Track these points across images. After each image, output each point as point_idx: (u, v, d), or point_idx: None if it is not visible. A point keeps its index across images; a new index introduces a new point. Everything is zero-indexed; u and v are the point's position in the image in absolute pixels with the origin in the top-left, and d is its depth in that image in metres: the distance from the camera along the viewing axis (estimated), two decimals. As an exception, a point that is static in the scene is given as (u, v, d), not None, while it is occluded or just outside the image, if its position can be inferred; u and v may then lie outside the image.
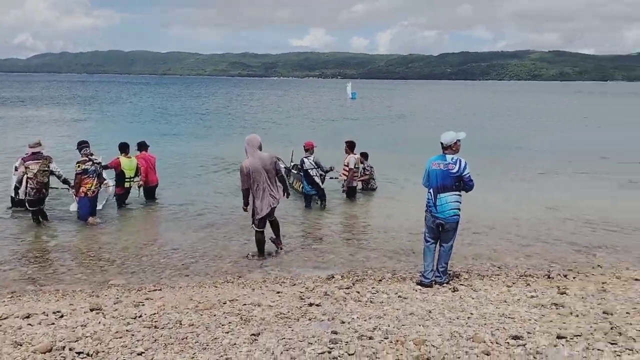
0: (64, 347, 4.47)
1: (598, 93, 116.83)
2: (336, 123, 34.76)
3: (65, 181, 9.95)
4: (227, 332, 4.82)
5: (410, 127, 32.92)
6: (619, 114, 46.65)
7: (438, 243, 6.41)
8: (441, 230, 6.30)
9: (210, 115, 40.45)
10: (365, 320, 5.09)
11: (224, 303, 5.70)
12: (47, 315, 5.32)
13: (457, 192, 6.21)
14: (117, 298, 5.99)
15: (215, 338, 4.69)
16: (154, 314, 5.36)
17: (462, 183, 6.18)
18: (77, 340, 4.63)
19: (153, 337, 4.73)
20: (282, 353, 4.35)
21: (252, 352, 4.38)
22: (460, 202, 6.25)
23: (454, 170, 6.10)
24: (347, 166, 11.69)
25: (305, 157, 10.85)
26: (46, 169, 9.43)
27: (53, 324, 5.08)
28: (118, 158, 10.77)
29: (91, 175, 9.57)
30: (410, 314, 5.25)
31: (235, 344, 4.56)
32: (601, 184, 14.17)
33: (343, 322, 5.05)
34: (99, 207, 10.24)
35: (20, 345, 4.55)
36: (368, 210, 11.24)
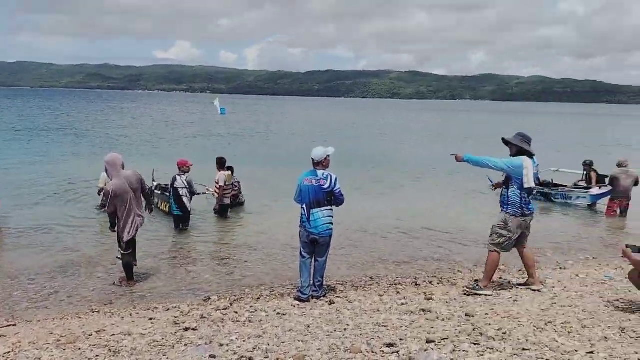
0: None
1: (450, 111, 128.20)
2: (204, 139, 34.09)
3: None
4: (95, 366, 4.47)
5: (279, 143, 33.36)
6: (468, 129, 51.58)
7: (313, 258, 6.53)
8: (316, 245, 6.43)
9: (63, 131, 37.33)
10: (244, 341, 5.00)
11: (89, 335, 5.28)
12: None
13: (329, 207, 6.40)
14: (-38, 339, 5.27)
15: (82, 374, 4.32)
16: (8, 352, 4.81)
17: (333, 198, 6.38)
18: None
19: (7, 380, 4.24)
20: (156, 383, 4.13)
21: (124, 385, 4.10)
22: (333, 217, 6.45)
23: (326, 186, 6.28)
24: (218, 183, 11.49)
25: (178, 175, 10.45)
26: None
27: None
28: None
29: None
30: (290, 330, 5.26)
31: (105, 378, 4.24)
32: (453, 194, 15.49)
33: (221, 345, 4.92)
34: None
35: None
36: (241, 228, 11.13)
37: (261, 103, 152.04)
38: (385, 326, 5.17)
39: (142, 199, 7.41)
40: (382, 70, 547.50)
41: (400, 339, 4.72)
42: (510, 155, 6.25)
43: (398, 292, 6.72)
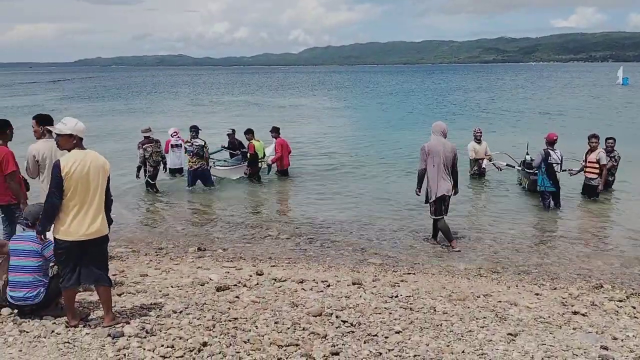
0: (331, 314, 4.98)
1: None
2: (597, 112, 30.48)
3: (165, 164, 11.93)
4: (482, 327, 4.76)
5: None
6: None
7: None
8: None
9: (442, 103, 39.69)
10: (644, 341, 4.47)
11: (477, 297, 5.63)
12: (316, 283, 5.98)
13: None
14: (375, 276, 6.39)
15: (470, 331, 4.66)
16: (409, 296, 5.57)
17: None
18: (342, 310, 5.11)
19: (409, 318, 4.94)
20: (542, 359, 4.11)
21: (509, 352, 4.24)
22: None
23: None
24: (598, 163, 10.23)
25: (551, 150, 9.78)
26: (158, 150, 11.45)
27: (322, 291, 5.69)
28: (251, 142, 12.40)
29: (190, 154, 11.61)
30: None
31: (491, 340, 4.47)
32: None
33: (615, 339, 4.53)
34: (234, 177, 12.78)
35: (296, 306, 5.23)
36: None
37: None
38: None
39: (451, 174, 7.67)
40: None
41: None
42: None
43: None
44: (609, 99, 40.92)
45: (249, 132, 12.78)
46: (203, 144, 11.79)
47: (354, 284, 5.97)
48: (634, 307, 5.37)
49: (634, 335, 4.59)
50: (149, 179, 11.44)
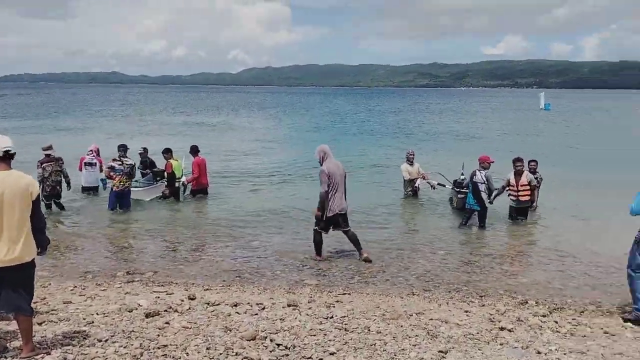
0: (265, 337, 4.91)
1: None
2: (519, 136, 32.21)
3: (68, 183, 11.33)
4: (414, 345, 4.83)
5: (607, 141, 28.90)
6: None
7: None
8: None
9: (379, 125, 40.84)
10: (564, 354, 4.69)
11: (410, 315, 5.72)
12: (251, 306, 5.88)
13: None
14: (311, 297, 6.37)
15: (403, 349, 4.73)
16: (344, 316, 5.59)
17: None
18: (277, 333, 5.05)
19: (344, 339, 4.95)
20: (471, 375, 4.22)
21: (440, 369, 4.32)
22: None
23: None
24: (529, 184, 10.73)
25: (478, 170, 10.25)
26: (59, 169, 11.06)
27: (256, 314, 5.61)
28: (169, 162, 12.28)
29: (119, 174, 11.11)
30: (619, 353, 4.72)
31: (422, 358, 4.55)
32: None
33: (539, 353, 4.73)
34: (147, 199, 12.38)
35: (230, 330, 5.11)
36: (564, 234, 10.15)
37: (597, 97, 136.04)
38: None
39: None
40: None
41: None
42: None
43: None
44: (532, 124, 43.28)
45: (167, 152, 12.57)
46: (133, 164, 11.48)
47: (289, 305, 5.92)
48: (556, 322, 5.62)
49: (556, 349, 4.80)
50: (43, 198, 10.88)
